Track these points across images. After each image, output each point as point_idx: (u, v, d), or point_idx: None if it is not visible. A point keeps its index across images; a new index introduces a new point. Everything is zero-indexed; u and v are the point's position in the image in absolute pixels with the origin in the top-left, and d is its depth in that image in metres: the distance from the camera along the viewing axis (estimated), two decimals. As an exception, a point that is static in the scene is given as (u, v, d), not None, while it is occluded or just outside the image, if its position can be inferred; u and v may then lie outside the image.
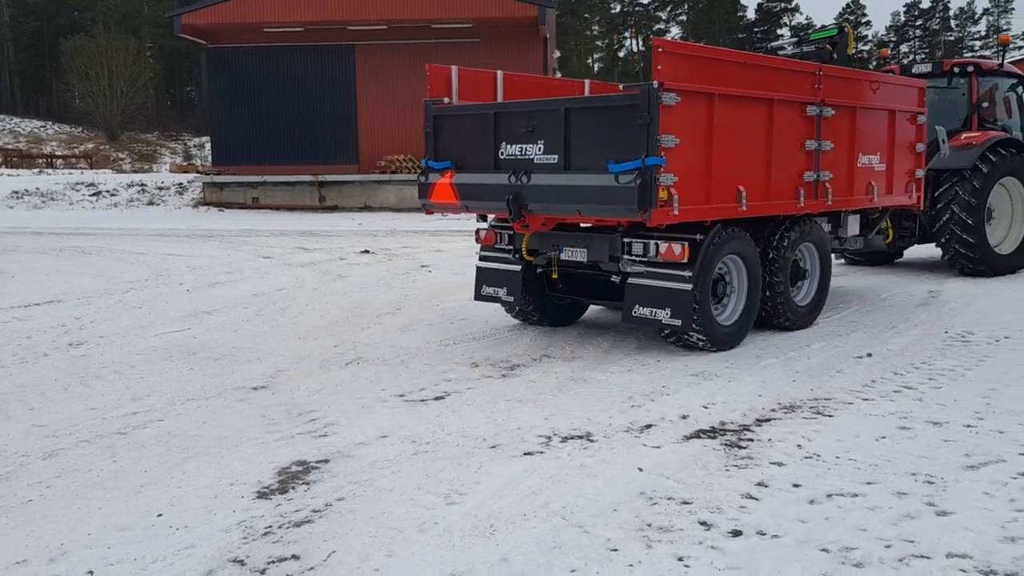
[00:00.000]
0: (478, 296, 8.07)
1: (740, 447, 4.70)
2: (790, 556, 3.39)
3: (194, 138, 68.04)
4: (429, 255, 14.58)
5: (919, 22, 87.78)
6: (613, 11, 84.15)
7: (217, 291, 10.74)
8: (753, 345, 7.24)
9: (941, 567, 3.28)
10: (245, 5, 27.08)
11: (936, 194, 10.85)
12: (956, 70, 11.66)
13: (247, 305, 9.64)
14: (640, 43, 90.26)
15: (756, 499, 3.97)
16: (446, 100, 7.74)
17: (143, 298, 10.25)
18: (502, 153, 7.13)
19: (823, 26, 12.53)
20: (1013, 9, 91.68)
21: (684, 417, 5.26)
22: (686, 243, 6.61)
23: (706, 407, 5.47)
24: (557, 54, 37.00)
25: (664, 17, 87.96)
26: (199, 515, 3.87)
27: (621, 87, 7.69)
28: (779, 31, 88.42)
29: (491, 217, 8.07)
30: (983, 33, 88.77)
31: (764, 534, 3.59)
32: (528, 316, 8.17)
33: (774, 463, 4.44)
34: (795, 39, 10.35)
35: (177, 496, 4.10)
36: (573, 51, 75.38)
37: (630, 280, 6.93)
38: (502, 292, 7.85)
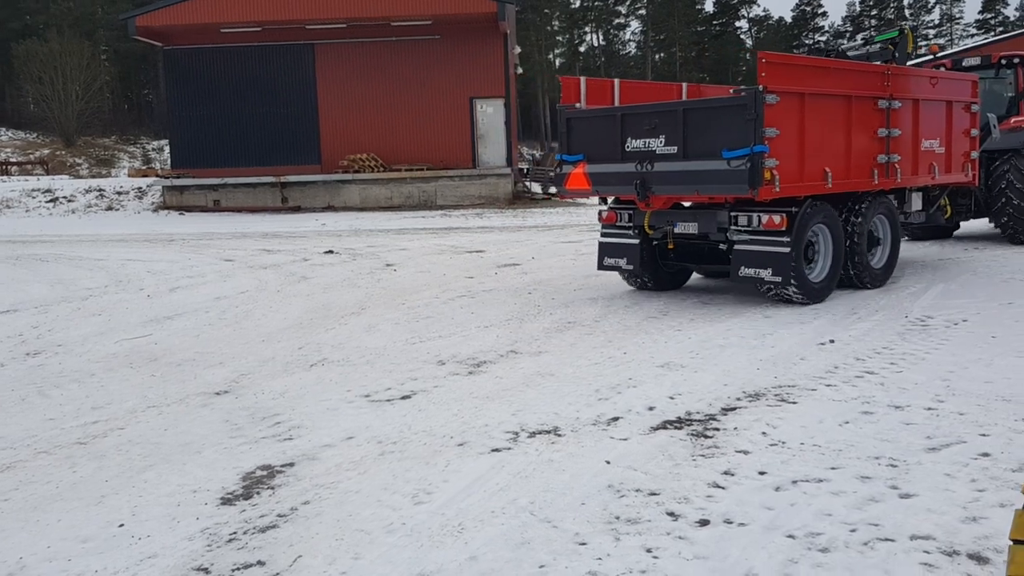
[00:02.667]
0: (601, 266, 9.62)
1: (706, 436, 4.72)
2: (757, 543, 3.40)
3: (153, 141, 67.06)
4: (394, 254, 14.50)
5: (874, 11, 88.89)
6: (573, 6, 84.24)
7: (178, 296, 10.59)
8: (716, 334, 7.29)
9: (905, 549, 3.31)
10: (200, 6, 26.73)
11: (990, 172, 12.21)
12: (1003, 62, 13.17)
13: (209, 309, 9.52)
14: (600, 38, 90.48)
15: (723, 488, 3.99)
16: (577, 105, 9.31)
17: (102, 305, 10.08)
18: (628, 146, 8.58)
19: (885, 28, 14.80)
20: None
21: (651, 409, 5.27)
22: (784, 214, 8.02)
23: (672, 398, 5.49)
24: (518, 50, 36.98)
25: (624, 12, 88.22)
26: (162, 524, 3.81)
27: (732, 91, 9.16)
28: (737, 23, 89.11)
29: (610, 200, 9.55)
30: (937, 21, 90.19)
31: (731, 522, 3.61)
32: (644, 283, 9.64)
33: (740, 451, 4.47)
34: (862, 41, 11.99)
35: (139, 505, 4.03)
36: (534, 46, 75.34)
37: (736, 247, 8.36)
38: (622, 262, 9.35)
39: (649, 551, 3.37)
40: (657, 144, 8.33)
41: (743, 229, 8.23)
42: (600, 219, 9.57)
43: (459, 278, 11.33)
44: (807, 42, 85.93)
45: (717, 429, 4.85)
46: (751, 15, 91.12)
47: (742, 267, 8.30)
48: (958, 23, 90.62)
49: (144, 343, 7.82)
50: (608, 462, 4.36)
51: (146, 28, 27.20)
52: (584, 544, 3.45)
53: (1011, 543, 1.39)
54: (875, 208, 9.20)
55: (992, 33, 77.11)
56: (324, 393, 5.89)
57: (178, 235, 19.98)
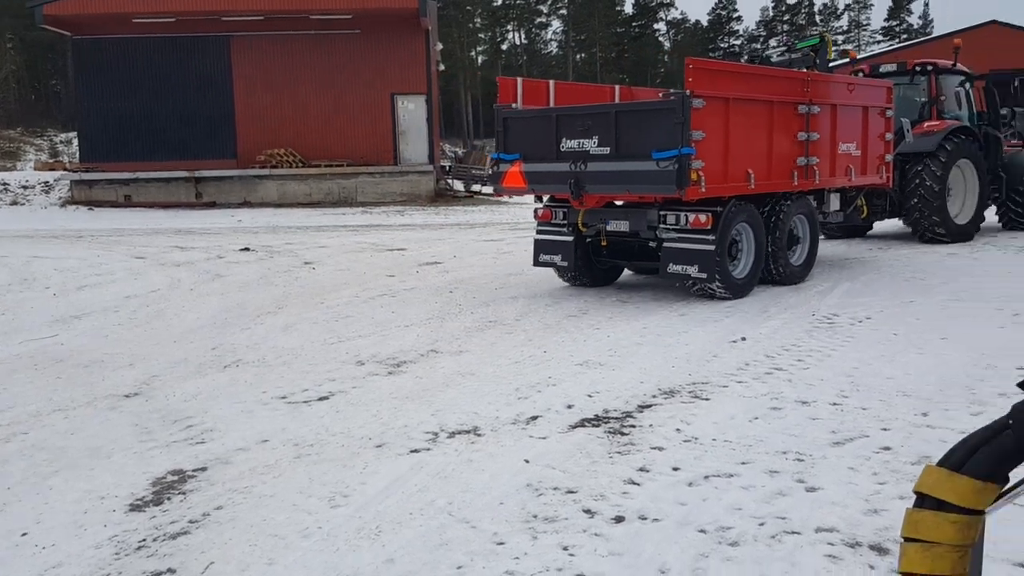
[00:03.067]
0: (536, 263, 9.83)
1: (623, 434, 4.80)
2: (670, 538, 3.48)
3: (60, 134, 64.49)
4: (313, 252, 14.30)
5: (786, 17, 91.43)
6: (495, 4, 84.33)
7: (86, 294, 10.23)
8: (634, 333, 7.41)
9: (810, 541, 3.43)
10: (111, -6, 25.84)
11: (904, 175, 12.79)
12: (917, 69, 13.78)
13: (119, 308, 9.22)
14: (523, 36, 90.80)
15: (638, 484, 4.06)
16: (513, 105, 9.50)
17: (6, 304, 9.67)
18: (563, 146, 8.84)
19: (807, 35, 15.69)
20: (872, 5, 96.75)
21: (569, 407, 5.33)
22: (710, 214, 8.37)
23: (591, 396, 5.56)
24: (440, 46, 36.82)
25: (545, 11, 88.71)
26: (67, 532, 3.68)
27: (660, 95, 9.39)
28: (656, 25, 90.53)
29: (546, 197, 9.76)
30: (845, 28, 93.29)
31: (645, 518, 3.68)
32: (577, 279, 9.87)
33: (655, 448, 4.56)
34: (784, 47, 12.71)
35: (44, 513, 3.89)
36: (456, 43, 75.11)
37: (665, 244, 8.70)
38: (557, 259, 9.60)
39: (566, 549, 3.41)
40: (591, 145, 8.61)
41: (671, 227, 8.56)
42: (536, 217, 9.78)
43: (379, 276, 11.24)
44: (723, 46, 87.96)
45: (633, 426, 4.93)
46: (669, 18, 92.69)
47: (670, 264, 8.64)
48: (865, 29, 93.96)
49: (50, 344, 7.54)
50: (527, 461, 4.40)
51: (54, 17, 26.15)
52: (502, 544, 3.47)
53: (902, 540, 1.45)
54: (795, 208, 9.64)
55: (896, 40, 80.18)
56: (238, 395, 5.78)
57: (87, 231, 19.29)
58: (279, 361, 6.74)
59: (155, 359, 6.88)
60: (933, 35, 56.62)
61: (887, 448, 4.46)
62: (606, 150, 8.50)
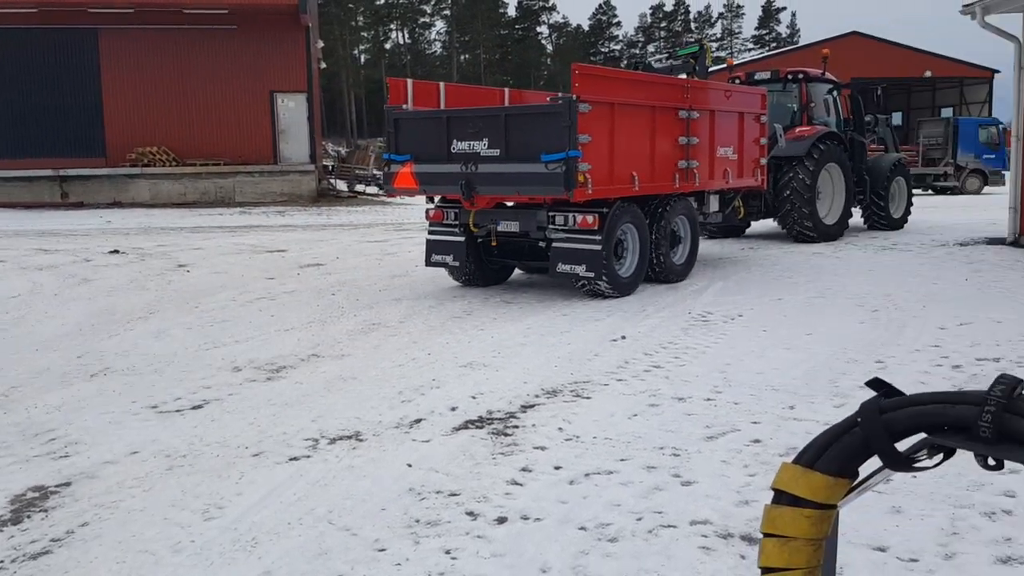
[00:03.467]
0: (428, 263, 9.90)
1: (506, 434, 4.83)
2: (551, 537, 3.52)
3: (-94, 128, 60.12)
4: (187, 254, 13.79)
5: (664, 23, 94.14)
6: (378, 2, 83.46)
7: (-63, 301, 9.55)
8: (518, 334, 7.46)
9: (685, 534, 3.54)
10: (-37, -20, 24.24)
11: (777, 178, 13.46)
12: (789, 77, 14.54)
13: (-26, 316, 8.65)
14: (406, 36, 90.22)
15: (521, 484, 4.09)
16: (404, 106, 9.60)
17: None
18: (454, 148, 8.92)
19: (687, 43, 16.45)
20: (744, 14, 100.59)
21: (453, 409, 5.33)
22: (597, 215, 8.64)
23: (474, 397, 5.57)
24: (321, 44, 36.15)
25: (429, 11, 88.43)
26: (-88, 558, 3.43)
27: (548, 99, 9.68)
28: (538, 28, 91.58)
29: (437, 198, 9.86)
30: (719, 35, 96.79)
31: (527, 518, 3.71)
32: (469, 278, 9.95)
33: (537, 447, 4.60)
34: (666, 55, 13.29)
35: None
36: (338, 41, 73.92)
37: (554, 244, 8.93)
38: (449, 259, 9.70)
39: (448, 552, 3.41)
40: (481, 146, 8.74)
41: (560, 228, 8.79)
42: (427, 217, 9.88)
43: (258, 279, 10.94)
44: (603, 50, 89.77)
45: (517, 427, 4.97)
46: (551, 21, 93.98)
47: (559, 263, 8.87)
48: (737, 37, 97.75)
49: None
50: (410, 465, 4.36)
51: (-102, 2, 24.33)
52: (383, 550, 3.43)
53: (762, 536, 1.51)
54: (677, 209, 10.01)
55: (767, 48, 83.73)
56: (106, 405, 5.51)
57: (-63, 233, 18.01)
58: (150, 369, 6.47)
59: (14, 369, 6.48)
60: (800, 44, 59.38)
61: (757, 441, 4.64)
62: (496, 152, 8.64)
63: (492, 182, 8.75)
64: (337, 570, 3.27)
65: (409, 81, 9.89)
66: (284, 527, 3.64)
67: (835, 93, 15.16)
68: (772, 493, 1.63)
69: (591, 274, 8.74)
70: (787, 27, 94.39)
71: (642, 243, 9.42)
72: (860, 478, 1.56)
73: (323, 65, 39.22)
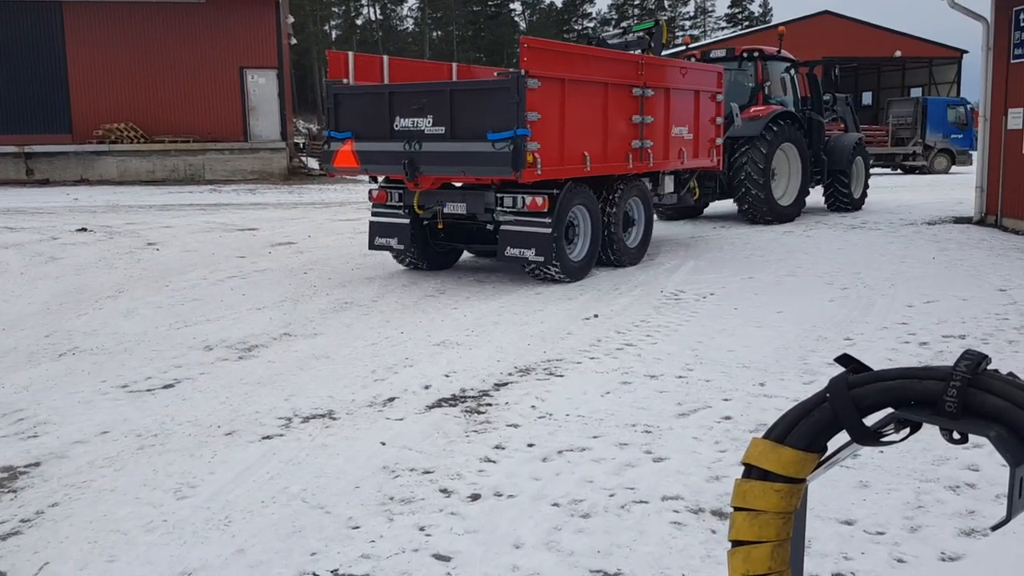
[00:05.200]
0: (372, 246, 9.48)
1: (479, 412, 4.85)
2: (524, 513, 3.55)
3: None
4: (157, 232, 13.62)
5: (637, 1, 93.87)
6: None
7: (-101, 280, 9.37)
8: (490, 311, 7.47)
9: (657, 510, 3.58)
10: (-79, -50, 23.60)
11: (732, 158, 13.18)
12: (745, 55, 14.21)
13: (-62, 295, 8.50)
14: (378, 12, 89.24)
15: (494, 462, 4.12)
16: (344, 81, 9.14)
17: None
18: (397, 125, 8.52)
19: (643, 19, 15.99)
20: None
21: (426, 387, 5.33)
22: (546, 196, 8.29)
23: (447, 375, 5.58)
24: (291, 19, 35.68)
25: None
26: None
27: (496, 74, 9.38)
28: (512, 4, 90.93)
29: (381, 178, 9.46)
30: (692, 13, 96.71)
31: (501, 495, 3.74)
32: (415, 262, 9.60)
33: (511, 425, 4.63)
34: (621, 31, 12.47)
35: None
36: (309, 16, 72.93)
37: (503, 227, 8.57)
38: (393, 242, 9.29)
39: (422, 529, 3.42)
40: (425, 124, 8.36)
41: (508, 210, 8.47)
42: (371, 198, 9.46)
43: (230, 258, 10.84)
44: (576, 28, 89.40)
45: (490, 404, 4.98)
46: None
47: (508, 247, 8.54)
48: (711, 15, 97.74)
49: None
50: (383, 443, 4.37)
51: None
52: (357, 528, 3.44)
53: (732, 510, 1.54)
54: (630, 191, 9.75)
55: (740, 27, 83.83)
56: (75, 385, 5.45)
57: (-102, 210, 17.64)
58: (120, 348, 6.40)
59: (-20, 349, 6.40)
60: (772, 23, 59.54)
61: (728, 417, 4.70)
62: (441, 130, 8.26)
63: (437, 161, 8.33)
64: (311, 548, 3.27)
65: (350, 54, 9.44)
66: (258, 505, 3.64)
67: (792, 72, 14.90)
68: (742, 468, 1.66)
69: (541, 258, 8.40)
70: (760, 6, 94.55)
71: (594, 226, 9.14)
72: (828, 452, 1.59)
73: (294, 41, 38.75)
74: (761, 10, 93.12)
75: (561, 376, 5.55)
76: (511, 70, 8.15)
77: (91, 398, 5.18)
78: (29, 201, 19.44)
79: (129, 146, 25.31)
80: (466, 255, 10.54)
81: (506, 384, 5.39)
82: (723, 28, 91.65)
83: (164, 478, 3.94)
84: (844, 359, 1.58)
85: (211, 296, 8.34)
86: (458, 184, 8.98)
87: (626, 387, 5.28)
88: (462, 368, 5.75)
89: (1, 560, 3.21)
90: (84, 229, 13.84)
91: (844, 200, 15.73)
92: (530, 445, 4.32)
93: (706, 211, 15.48)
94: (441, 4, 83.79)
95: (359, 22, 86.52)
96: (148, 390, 5.35)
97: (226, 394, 5.23)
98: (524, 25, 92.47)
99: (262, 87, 27.21)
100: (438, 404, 5.01)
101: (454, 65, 11.03)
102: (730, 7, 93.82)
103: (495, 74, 9.60)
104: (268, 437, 4.48)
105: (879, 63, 42.71)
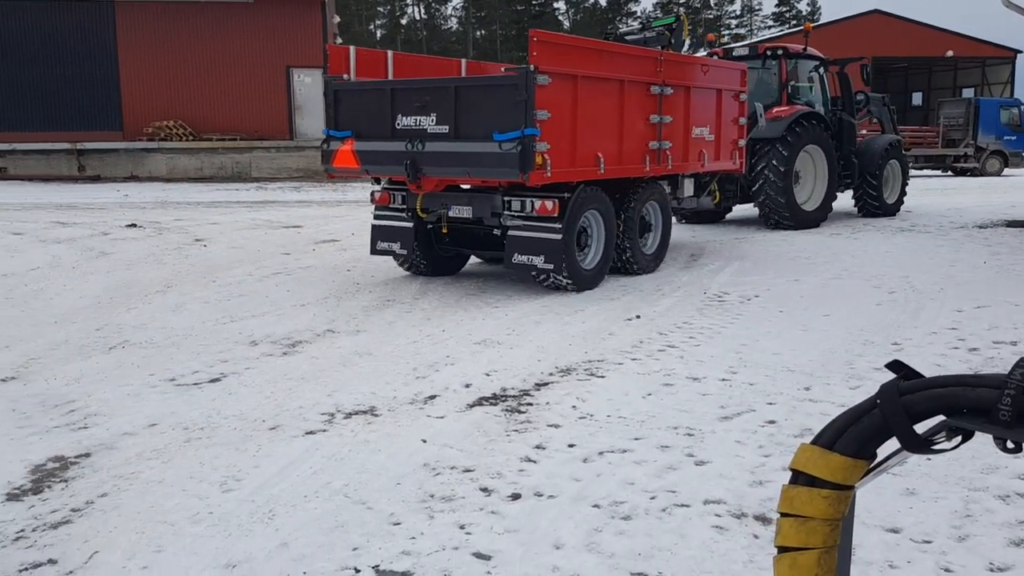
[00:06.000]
0: (374, 251, 9.03)
1: (520, 412, 4.85)
2: (565, 514, 3.54)
3: (-75, 100, 60.43)
4: (204, 228, 13.85)
5: (682, 0, 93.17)
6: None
7: (-43, 273, 9.65)
8: (532, 311, 7.48)
9: (699, 513, 3.55)
10: (-19, -48, 24.25)
11: (753, 161, 12.56)
12: (768, 53, 13.60)
13: (-6, 288, 8.74)
14: (423, 11, 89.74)
15: (534, 461, 4.12)
16: (345, 76, 8.71)
17: None
18: (399, 124, 8.11)
19: (663, 14, 15.41)
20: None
21: (467, 386, 5.35)
22: (556, 200, 7.83)
23: (488, 374, 5.59)
24: (337, 19, 36.05)
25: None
26: (-64, 525, 3.49)
27: (503, 69, 8.86)
28: (556, 3, 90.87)
29: (384, 180, 9.00)
30: (738, 12, 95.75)
31: (541, 495, 3.74)
32: (418, 267, 9.18)
33: (551, 425, 4.62)
34: (640, 26, 11.91)
35: (-91, 506, 3.67)
36: (354, 16, 73.69)
37: (510, 232, 8.10)
38: (396, 246, 8.83)
39: (463, 527, 3.44)
40: (428, 123, 7.94)
41: (516, 215, 8.03)
42: (373, 200, 9.06)
43: (275, 254, 10.98)
44: (621, 26, 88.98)
45: (530, 404, 4.99)
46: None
47: (515, 254, 8.07)
48: (757, 14, 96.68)
49: (-85, 326, 7.09)
50: (424, 441, 4.39)
51: (-84, -27, 24.38)
52: (398, 524, 3.47)
53: (779, 515, 1.52)
54: (647, 195, 9.25)
55: (787, 26, 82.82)
56: (124, 378, 5.57)
57: (-43, 205, 18.16)
58: (168, 342, 6.52)
59: (34, 341, 6.55)
60: (820, 21, 58.72)
61: (772, 422, 4.64)
62: (445, 129, 7.81)
63: (440, 163, 7.88)
64: (353, 543, 3.30)
65: (352, 48, 8.94)
66: (301, 500, 3.68)
67: (821, 70, 14.20)
68: (787, 474, 1.64)
69: (550, 266, 7.90)
70: (808, 4, 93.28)
71: (608, 232, 8.62)
72: (878, 459, 1.56)
73: (339, 40, 39.10)
74: (809, 8, 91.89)
75: (602, 377, 5.53)
76: (519, 65, 7.59)
77: (140, 391, 5.28)
78: (81, 197, 19.89)
79: (178, 144, 25.75)
80: (472, 259, 10.15)
81: (547, 384, 5.39)
82: (770, 27, 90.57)
83: (210, 471, 4.00)
84: (895, 365, 1.55)
85: (256, 292, 8.45)
86: (466, 186, 8.57)
87: (668, 389, 5.25)
88: (503, 367, 5.76)
89: (52, 548, 3.29)
90: (134, 225, 14.12)
91: (873, 205, 14.97)
92: (571, 446, 4.32)
93: (743, 215, 15.02)
94: (485, 3, 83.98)
95: (403, 21, 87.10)
96: (195, 384, 5.44)
97: (271, 389, 5.30)
98: (568, 24, 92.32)
99: (308, 86, 27.52)
100: (479, 403, 5.03)
101: (463, 61, 10.49)
102: (777, 6, 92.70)
103: (502, 69, 9.10)
104: (311, 432, 4.53)
105: (930, 63, 41.93)
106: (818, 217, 13.56)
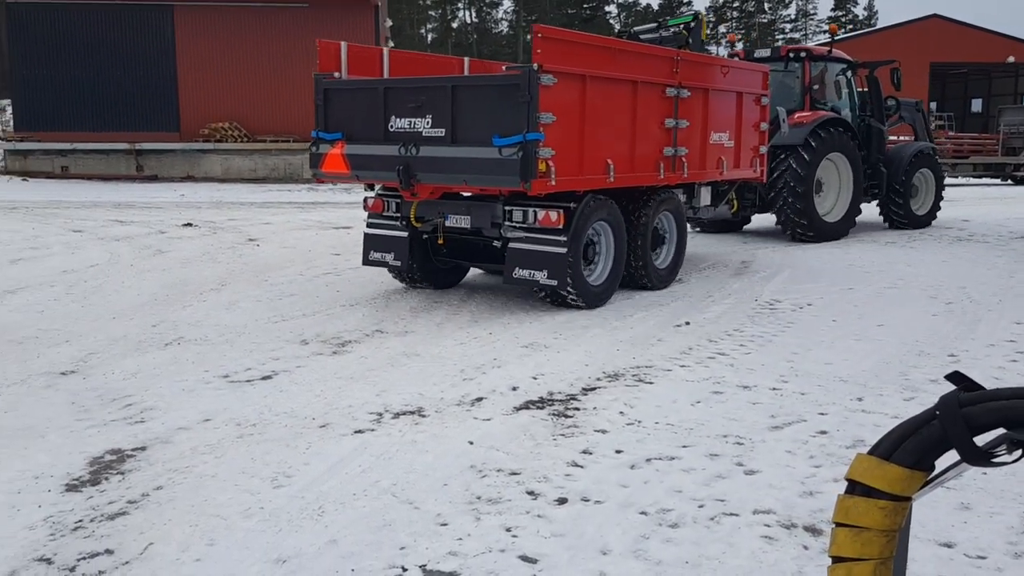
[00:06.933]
0: (366, 261, 8.47)
1: (567, 416, 4.85)
2: (612, 520, 3.53)
3: (-7, 101, 62.32)
4: (257, 228, 14.08)
5: (736, 3, 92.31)
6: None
7: (21, 268, 9.94)
8: (580, 316, 7.46)
9: (748, 523, 3.52)
10: (48, -42, 24.96)
11: (771, 168, 11.75)
12: (791, 55, 12.87)
13: (55, 283, 8.98)
14: (473, 15, 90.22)
15: (581, 467, 4.11)
16: (336, 74, 8.12)
17: (-67, 277, 9.35)
18: (392, 126, 7.55)
19: (680, 12, 14.28)
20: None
21: (514, 389, 5.36)
22: (561, 210, 7.23)
23: (535, 378, 5.59)
24: (389, 23, 36.41)
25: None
26: (0, 512, 3.60)
27: (504, 68, 8.15)
28: (607, 7, 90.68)
29: (378, 186, 8.40)
30: (792, 16, 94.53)
31: (588, 500, 3.73)
32: (413, 280, 8.60)
33: (598, 430, 4.61)
34: (655, 24, 11.16)
35: (-26, 494, 3.79)
36: (406, 19, 74.37)
37: (511, 245, 7.53)
38: (389, 257, 8.27)
39: (509, 530, 3.45)
40: (424, 125, 7.36)
41: (517, 225, 7.43)
42: (365, 207, 8.50)
43: (325, 255, 11.12)
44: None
45: (577, 409, 4.98)
46: (620, 0, 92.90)
47: (516, 268, 7.49)
48: (812, 19, 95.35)
49: (-19, 319, 7.32)
50: (471, 442, 4.41)
51: (-14, -21, 25.18)
52: (445, 525, 3.49)
53: (833, 525, 1.50)
54: (661, 204, 8.60)
55: (843, 31, 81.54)
56: (180, 373, 5.69)
57: (21, 203, 18.70)
58: (222, 339, 6.64)
59: (93, 336, 6.73)
60: (877, 26, 57.74)
61: (823, 432, 4.58)
62: (440, 132, 7.24)
63: (435, 168, 7.29)
64: (400, 542, 3.33)
65: (343, 44, 8.30)
66: (349, 497, 3.72)
67: (849, 74, 13.43)
68: (839, 485, 1.62)
69: (553, 282, 7.32)
70: (864, 9, 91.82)
71: (618, 245, 8.00)
72: (936, 471, 1.54)
73: (391, 44, 39.49)
74: (866, 13, 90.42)
75: (650, 383, 5.50)
76: (520, 64, 6.95)
77: (194, 386, 5.39)
78: (139, 196, 20.36)
79: (233, 145, 26.21)
80: (473, 271, 9.48)
81: (594, 389, 5.38)
82: (824, 32, 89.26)
83: (262, 466, 4.07)
84: (955, 376, 1.53)
85: (307, 292, 8.57)
86: (467, 193, 7.95)
87: (717, 397, 5.20)
88: (550, 371, 5.76)
89: (109, 538, 3.38)
90: (189, 224, 14.41)
91: (898, 216, 14.16)
92: (618, 452, 4.30)
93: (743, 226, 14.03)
94: (536, 7, 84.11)
95: (454, 25, 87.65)
96: (247, 380, 5.54)
97: (321, 387, 5.37)
98: (619, 27, 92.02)
99: (360, 89, 27.77)
100: (525, 406, 5.03)
101: (466, 60, 9.84)
102: (833, 10, 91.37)
103: (503, 68, 8.42)
104: (360, 431, 4.58)
105: (990, 69, 40.92)
106: (840, 229, 12.81)
